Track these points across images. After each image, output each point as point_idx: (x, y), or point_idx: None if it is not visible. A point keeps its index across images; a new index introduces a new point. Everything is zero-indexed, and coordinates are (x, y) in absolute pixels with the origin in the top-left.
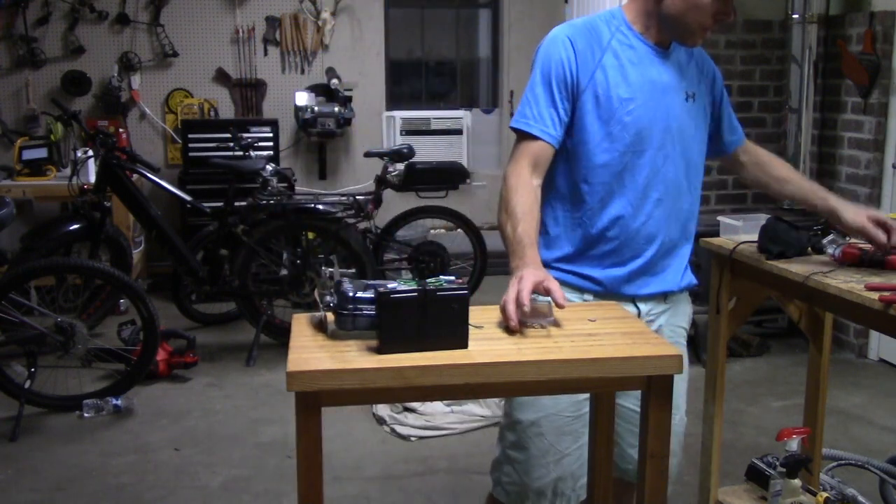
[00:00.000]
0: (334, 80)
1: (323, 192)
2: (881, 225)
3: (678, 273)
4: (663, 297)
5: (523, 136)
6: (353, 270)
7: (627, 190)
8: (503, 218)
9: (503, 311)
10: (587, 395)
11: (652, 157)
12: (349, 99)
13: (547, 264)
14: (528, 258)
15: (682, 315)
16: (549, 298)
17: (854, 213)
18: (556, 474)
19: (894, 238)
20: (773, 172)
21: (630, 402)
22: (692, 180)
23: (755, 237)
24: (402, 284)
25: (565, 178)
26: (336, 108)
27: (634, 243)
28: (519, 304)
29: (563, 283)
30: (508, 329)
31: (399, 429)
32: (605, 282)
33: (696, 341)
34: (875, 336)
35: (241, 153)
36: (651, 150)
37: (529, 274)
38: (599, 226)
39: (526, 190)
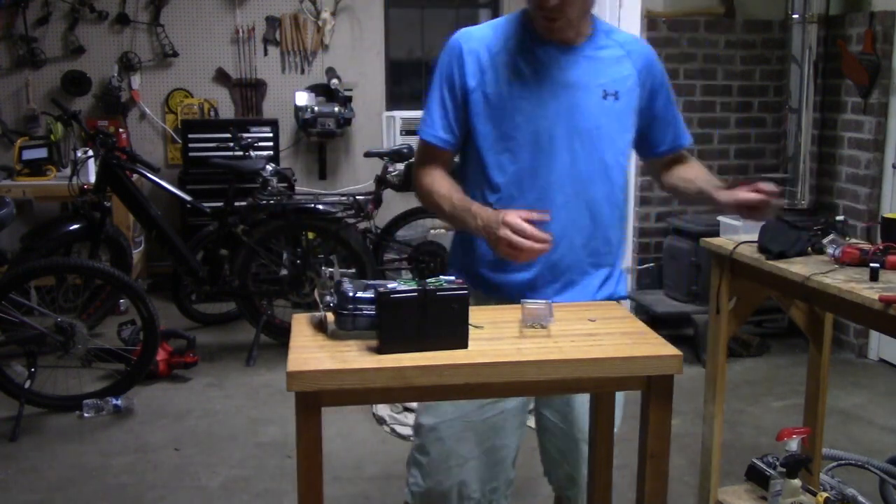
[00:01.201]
0: (334, 80)
1: (323, 192)
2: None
3: (597, 282)
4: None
5: (423, 142)
6: (353, 270)
7: (527, 192)
8: (435, 201)
9: (505, 239)
10: (493, 399)
11: (556, 158)
12: (349, 99)
13: (452, 265)
14: (482, 210)
15: None
16: (548, 300)
17: (728, 192)
18: (459, 479)
19: (764, 191)
20: (682, 174)
21: (550, 412)
22: (613, 182)
23: (755, 237)
24: (402, 284)
25: (473, 180)
26: (336, 108)
27: None
28: (516, 228)
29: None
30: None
31: (399, 429)
32: (502, 287)
33: (696, 341)
34: (875, 336)
35: (241, 153)
36: (554, 150)
37: (503, 211)
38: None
39: (440, 178)
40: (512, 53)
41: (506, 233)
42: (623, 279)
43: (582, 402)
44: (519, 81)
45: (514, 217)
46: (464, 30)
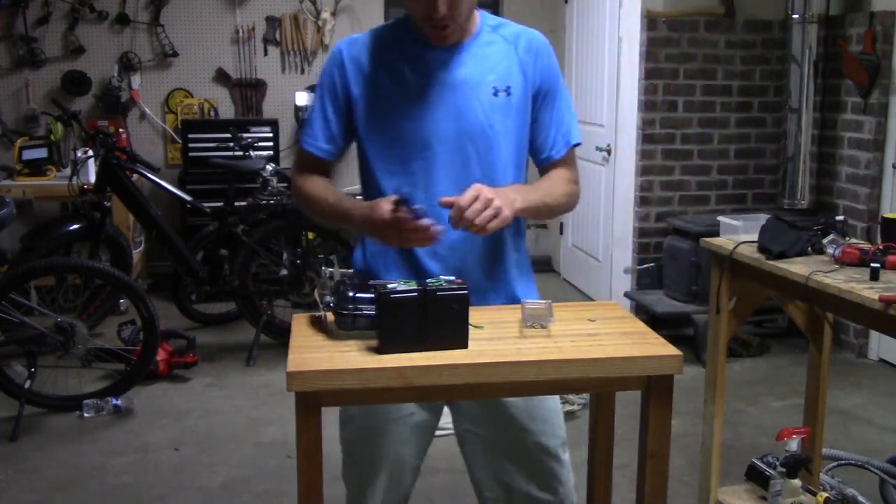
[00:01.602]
0: None
1: None
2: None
3: (508, 288)
4: None
5: (300, 149)
6: (353, 270)
7: (419, 199)
8: (311, 205)
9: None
10: (409, 412)
11: (448, 162)
12: None
13: (355, 265)
14: (355, 209)
15: None
16: (549, 300)
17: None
18: (367, 494)
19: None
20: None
21: (467, 423)
22: (511, 182)
23: (755, 237)
24: (402, 284)
25: (367, 188)
26: None
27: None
28: (394, 225)
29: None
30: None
31: None
32: None
33: (696, 341)
34: (875, 336)
35: (241, 153)
36: (445, 154)
37: (374, 207)
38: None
39: (317, 182)
40: (396, 58)
41: (390, 233)
42: (531, 281)
43: (510, 404)
44: (404, 86)
45: (387, 215)
46: (347, 37)
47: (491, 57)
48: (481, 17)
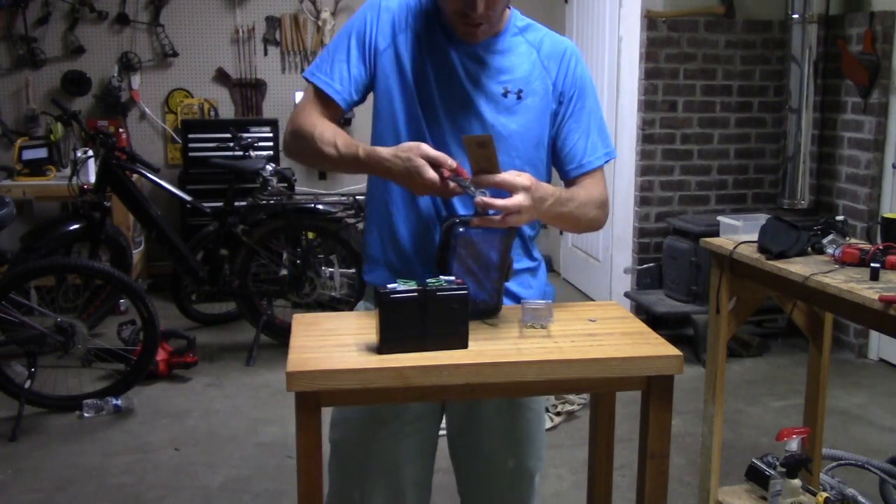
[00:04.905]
0: None
1: (323, 192)
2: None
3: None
4: None
5: (313, 88)
6: (353, 270)
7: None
8: (316, 147)
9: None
10: (398, 420)
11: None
12: None
13: (371, 260)
14: (374, 149)
15: None
16: (549, 300)
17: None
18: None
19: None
20: None
21: (463, 441)
22: None
23: (755, 237)
24: (402, 284)
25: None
26: None
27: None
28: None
29: None
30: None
31: None
32: None
33: (696, 341)
34: (875, 336)
35: (241, 153)
36: (441, 146)
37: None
38: (405, 232)
39: (325, 123)
40: (417, 37)
41: (415, 177)
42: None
43: (490, 427)
44: (414, 67)
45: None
46: None
47: (510, 58)
48: (511, 17)
